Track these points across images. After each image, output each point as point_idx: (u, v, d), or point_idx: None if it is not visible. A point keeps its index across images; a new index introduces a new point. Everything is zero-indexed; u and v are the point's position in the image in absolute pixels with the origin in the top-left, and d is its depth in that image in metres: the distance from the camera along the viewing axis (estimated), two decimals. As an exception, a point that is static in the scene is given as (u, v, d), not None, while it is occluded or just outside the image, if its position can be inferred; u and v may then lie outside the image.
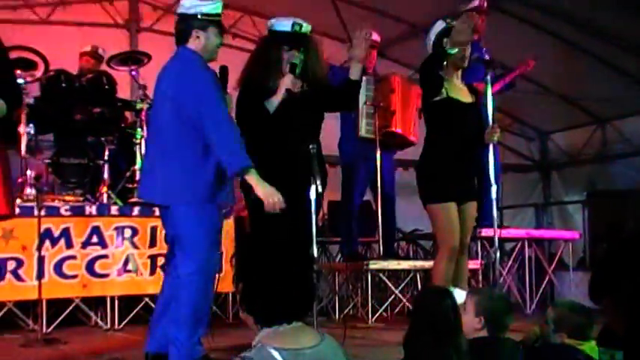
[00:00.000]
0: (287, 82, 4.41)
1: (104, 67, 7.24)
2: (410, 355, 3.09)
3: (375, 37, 6.62)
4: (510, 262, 7.45)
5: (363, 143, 6.71)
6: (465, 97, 5.02)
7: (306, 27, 4.56)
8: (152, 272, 6.01)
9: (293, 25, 4.52)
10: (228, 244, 6.43)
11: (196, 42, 4.14)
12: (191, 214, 4.05)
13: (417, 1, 8.00)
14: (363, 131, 6.70)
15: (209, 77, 4.10)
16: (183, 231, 4.05)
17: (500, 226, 6.23)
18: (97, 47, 7.48)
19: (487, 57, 5.65)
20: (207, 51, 4.17)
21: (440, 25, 4.99)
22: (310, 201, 4.14)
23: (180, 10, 4.22)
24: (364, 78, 6.59)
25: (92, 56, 7.40)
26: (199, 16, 4.13)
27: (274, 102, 4.40)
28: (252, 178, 4.00)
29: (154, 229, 6.05)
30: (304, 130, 4.42)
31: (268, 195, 4.00)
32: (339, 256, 7.67)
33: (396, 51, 9.19)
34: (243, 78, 4.61)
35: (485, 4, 6.37)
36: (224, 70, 4.32)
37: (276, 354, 2.51)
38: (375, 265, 6.50)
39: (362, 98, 6.60)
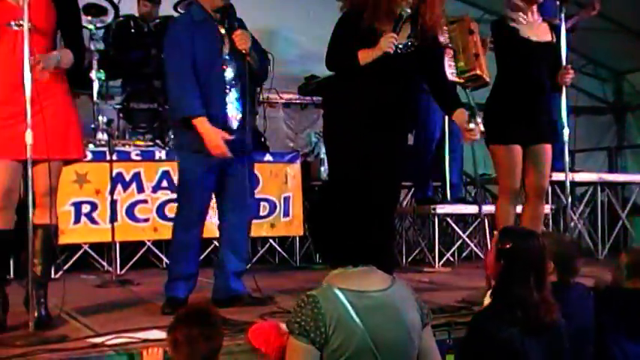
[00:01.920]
0: (384, 44, 4.06)
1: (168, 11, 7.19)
2: (510, 302, 3.04)
3: None
4: (582, 207, 7.28)
5: None
6: (540, 35, 4.84)
7: None
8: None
9: None
10: (295, 189, 6.45)
11: None
12: (180, 164, 4.35)
13: None
14: (449, 75, 6.51)
15: (171, 34, 4.23)
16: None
17: (572, 170, 6.06)
18: None
19: None
20: None
21: None
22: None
23: None
24: None
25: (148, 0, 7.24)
26: None
27: (367, 58, 4.12)
28: (198, 128, 4.09)
29: (222, 174, 6.09)
30: (396, 84, 4.22)
31: (212, 147, 4.10)
32: (406, 200, 7.59)
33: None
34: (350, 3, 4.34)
35: None
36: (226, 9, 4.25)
37: (340, 294, 2.52)
38: (442, 209, 6.44)
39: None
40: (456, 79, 6.45)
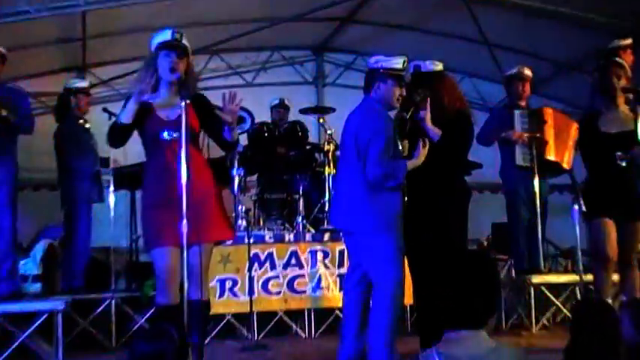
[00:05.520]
0: None
1: (297, 116, 7.38)
2: None
3: (528, 72, 6.46)
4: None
5: (521, 170, 6.36)
6: (623, 124, 4.76)
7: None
8: (341, 289, 5.95)
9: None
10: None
11: (377, 92, 4.20)
12: (385, 238, 4.07)
13: (565, 42, 7.66)
14: (518, 160, 6.37)
15: (379, 123, 4.12)
16: (382, 253, 4.06)
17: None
18: (284, 99, 7.59)
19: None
20: (386, 99, 4.21)
21: None
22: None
23: (368, 64, 4.31)
24: (517, 112, 6.41)
25: (282, 107, 7.53)
26: (381, 70, 4.19)
27: None
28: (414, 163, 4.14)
29: (341, 252, 6.05)
30: None
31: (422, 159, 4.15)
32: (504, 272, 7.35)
33: (548, 87, 8.79)
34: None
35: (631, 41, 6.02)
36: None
37: (435, 357, 2.40)
38: (537, 279, 6.20)
39: (518, 130, 6.40)
40: (525, 164, 6.32)
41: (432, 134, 4.41)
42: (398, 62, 4.18)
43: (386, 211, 4.09)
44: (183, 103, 3.64)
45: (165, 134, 3.77)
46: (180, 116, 3.66)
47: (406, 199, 4.33)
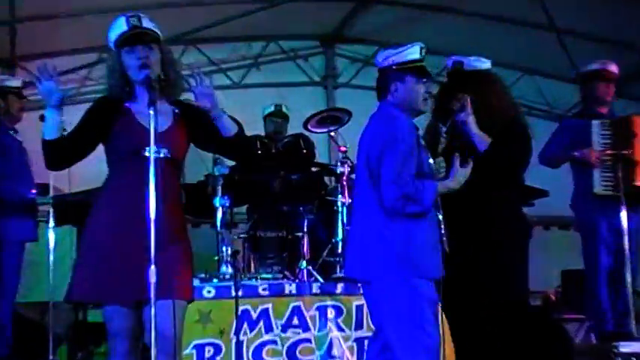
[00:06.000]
0: None
1: (301, 128, 7.37)
2: None
3: (614, 69, 6.52)
4: None
5: (602, 200, 6.41)
6: None
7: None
8: (360, 358, 5.88)
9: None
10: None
11: (396, 95, 4.23)
12: (403, 285, 4.05)
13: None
14: (597, 187, 6.39)
15: (394, 132, 4.12)
16: (400, 307, 4.05)
17: None
18: (282, 105, 7.72)
19: None
20: (408, 102, 4.22)
21: None
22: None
23: (377, 64, 4.35)
24: (596, 122, 6.46)
25: (279, 116, 7.64)
26: (394, 67, 4.23)
27: None
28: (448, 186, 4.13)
29: (359, 309, 5.99)
30: None
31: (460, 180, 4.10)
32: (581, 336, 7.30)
33: (637, 88, 8.94)
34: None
35: None
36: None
37: None
38: (626, 347, 6.05)
39: (596, 146, 6.42)
40: (605, 192, 6.32)
41: (478, 141, 4.51)
42: (413, 51, 4.23)
43: (407, 249, 4.08)
44: (151, 111, 3.64)
45: (149, 150, 3.70)
46: (170, 128, 3.83)
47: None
